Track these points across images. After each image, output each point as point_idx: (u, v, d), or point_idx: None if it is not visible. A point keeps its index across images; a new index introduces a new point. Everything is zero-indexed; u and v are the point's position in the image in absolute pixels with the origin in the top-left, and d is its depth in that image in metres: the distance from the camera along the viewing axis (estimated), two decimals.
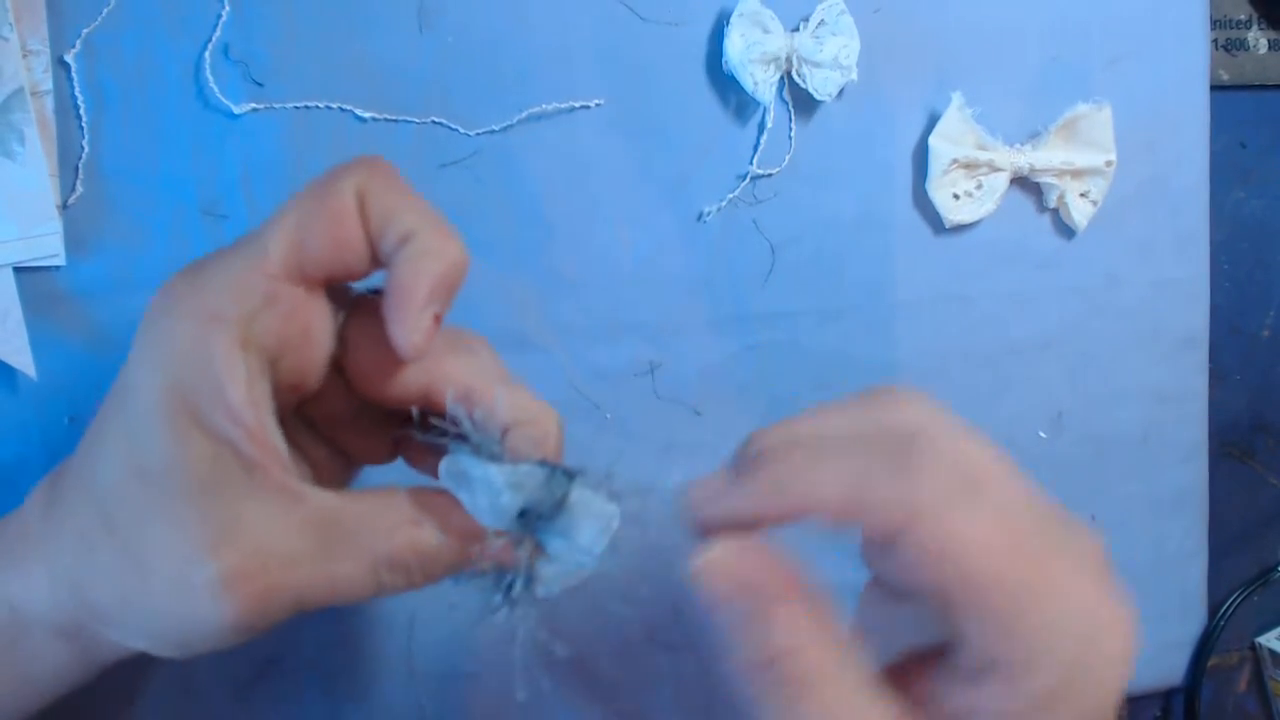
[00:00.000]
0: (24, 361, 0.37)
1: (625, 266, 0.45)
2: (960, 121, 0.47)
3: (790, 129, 0.46)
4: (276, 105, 0.40)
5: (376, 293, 0.28)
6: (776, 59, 0.44)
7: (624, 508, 0.27)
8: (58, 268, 0.38)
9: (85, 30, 0.38)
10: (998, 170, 0.48)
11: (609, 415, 0.45)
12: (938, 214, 0.48)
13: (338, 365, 0.29)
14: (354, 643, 0.42)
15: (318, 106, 0.41)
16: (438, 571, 0.28)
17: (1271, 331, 0.57)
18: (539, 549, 0.27)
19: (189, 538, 0.25)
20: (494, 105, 0.42)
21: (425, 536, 0.27)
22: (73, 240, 0.38)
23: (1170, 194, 0.51)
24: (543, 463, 0.27)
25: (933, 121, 0.47)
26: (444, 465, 0.27)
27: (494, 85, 0.42)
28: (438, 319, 0.27)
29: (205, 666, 0.41)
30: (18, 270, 0.37)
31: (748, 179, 0.46)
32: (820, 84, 0.45)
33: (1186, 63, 0.51)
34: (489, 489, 0.27)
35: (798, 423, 0.27)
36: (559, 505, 0.26)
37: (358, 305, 0.29)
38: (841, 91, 0.46)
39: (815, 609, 0.25)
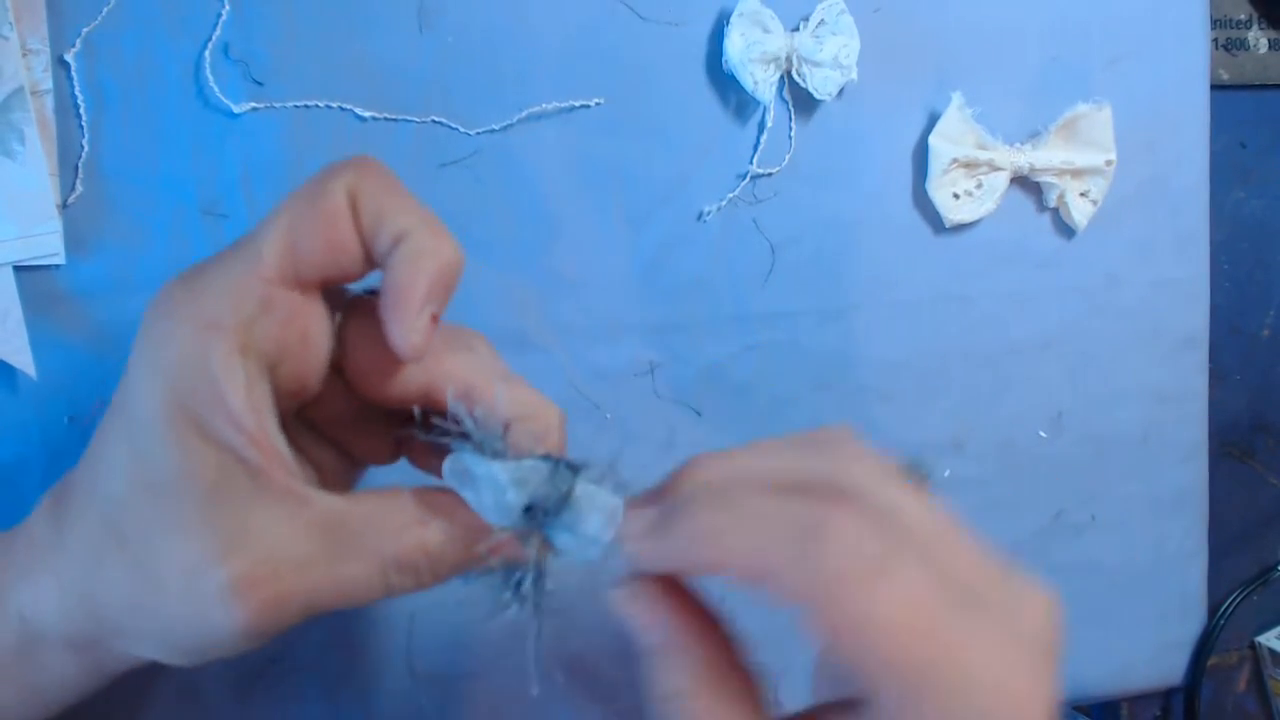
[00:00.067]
0: (24, 361, 0.37)
1: (625, 266, 0.45)
2: (960, 121, 0.47)
3: (790, 129, 0.46)
4: (276, 105, 0.40)
5: (373, 293, 0.28)
6: (776, 58, 0.44)
7: (627, 498, 0.27)
8: (58, 267, 0.38)
9: (85, 29, 0.38)
10: (998, 170, 0.48)
11: (609, 415, 0.45)
12: (938, 214, 0.48)
13: (337, 367, 0.29)
14: (354, 643, 0.42)
15: (318, 106, 0.41)
16: (446, 571, 0.28)
17: (1271, 331, 0.57)
18: (546, 544, 0.27)
19: (197, 546, 0.25)
20: (494, 105, 0.42)
21: (433, 536, 0.27)
22: (73, 240, 0.38)
23: (1170, 194, 0.51)
24: (546, 457, 0.27)
25: (933, 121, 0.47)
26: (447, 464, 0.27)
27: (494, 85, 0.42)
28: (435, 318, 0.27)
29: (206, 666, 0.41)
30: (18, 269, 0.37)
31: (748, 179, 0.46)
32: (820, 84, 0.45)
33: (1186, 63, 0.51)
34: (493, 486, 0.27)
35: (731, 462, 0.27)
36: (564, 499, 0.26)
37: (355, 307, 0.29)
38: (841, 91, 0.46)
39: (718, 654, 0.26)
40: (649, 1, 0.44)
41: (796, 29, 0.45)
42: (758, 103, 0.45)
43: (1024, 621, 0.25)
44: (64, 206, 0.38)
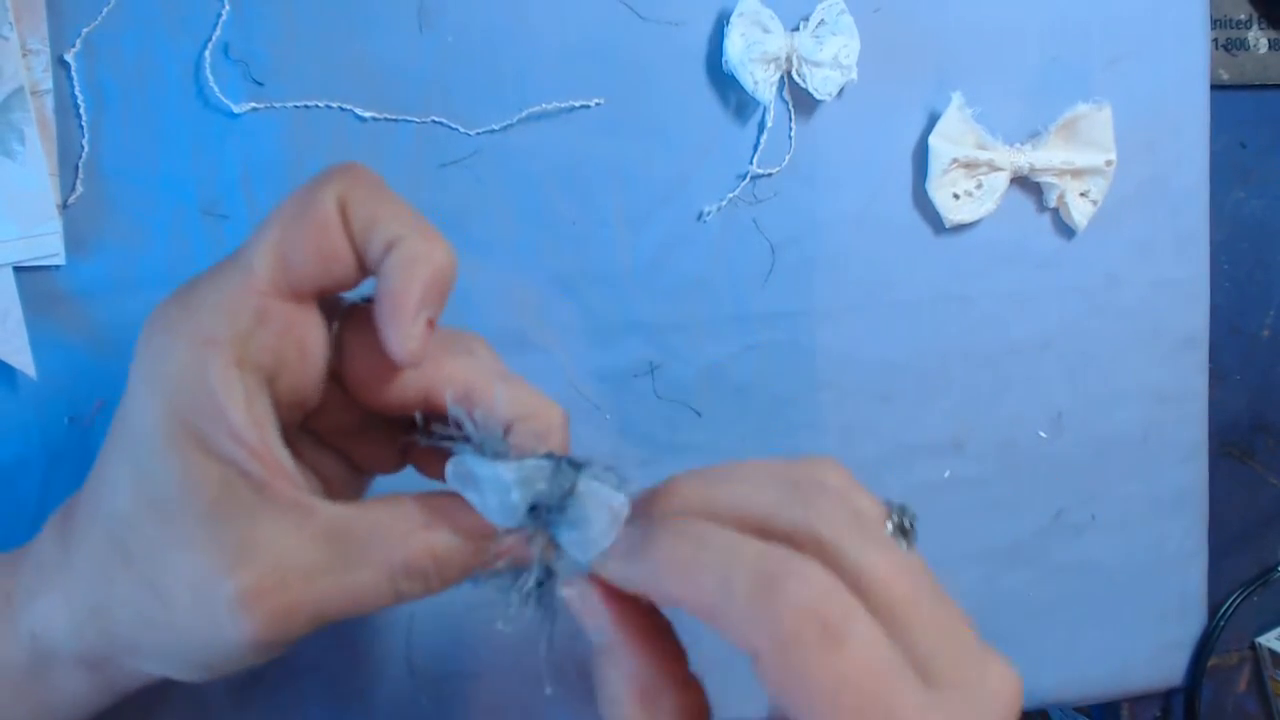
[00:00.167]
0: (24, 361, 0.37)
1: (625, 266, 0.45)
2: (960, 121, 0.47)
3: (790, 129, 0.46)
4: (276, 105, 0.40)
5: (369, 301, 0.28)
6: (776, 59, 0.44)
7: (631, 496, 0.27)
8: (58, 267, 0.38)
9: (85, 29, 0.38)
10: (998, 170, 0.48)
11: (609, 416, 0.45)
12: (938, 214, 0.48)
13: (337, 377, 0.29)
14: (354, 643, 0.42)
15: (318, 106, 0.41)
16: (453, 575, 0.28)
17: (1271, 331, 0.57)
18: (552, 543, 0.27)
19: (205, 561, 0.25)
20: (494, 105, 0.42)
21: (439, 540, 0.27)
22: (73, 240, 0.38)
23: (1170, 194, 0.51)
24: (548, 456, 0.27)
25: (933, 121, 0.47)
26: (450, 467, 0.27)
27: (494, 85, 0.42)
28: (431, 323, 0.27)
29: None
30: (18, 270, 0.37)
31: (748, 179, 0.46)
32: (820, 84, 0.45)
33: (1186, 63, 0.51)
34: (497, 487, 0.27)
35: (709, 488, 0.27)
36: (568, 497, 0.26)
37: (351, 315, 0.29)
38: (841, 91, 0.46)
39: (659, 666, 0.26)
40: (649, 1, 0.44)
41: (796, 29, 0.45)
42: (758, 103, 0.45)
43: (985, 701, 0.24)
44: (64, 207, 0.38)
